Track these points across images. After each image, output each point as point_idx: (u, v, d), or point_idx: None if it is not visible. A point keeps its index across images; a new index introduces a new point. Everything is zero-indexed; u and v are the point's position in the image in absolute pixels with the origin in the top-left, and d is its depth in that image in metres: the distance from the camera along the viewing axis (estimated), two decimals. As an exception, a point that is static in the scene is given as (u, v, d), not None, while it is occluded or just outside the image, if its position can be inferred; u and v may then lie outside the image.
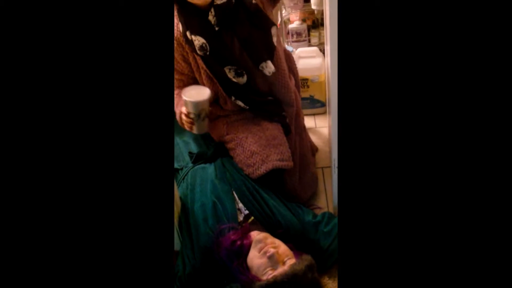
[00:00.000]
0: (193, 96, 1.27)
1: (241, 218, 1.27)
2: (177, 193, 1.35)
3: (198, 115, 1.30)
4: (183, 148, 1.59)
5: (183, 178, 1.44)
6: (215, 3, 1.20)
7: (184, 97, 1.26)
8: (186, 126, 1.36)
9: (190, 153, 1.53)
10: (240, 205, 1.29)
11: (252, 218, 1.26)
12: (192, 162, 1.49)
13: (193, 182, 1.39)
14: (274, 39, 1.33)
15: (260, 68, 1.33)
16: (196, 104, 1.27)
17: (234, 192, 1.32)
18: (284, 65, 1.42)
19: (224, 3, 1.20)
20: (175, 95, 1.43)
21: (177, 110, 1.39)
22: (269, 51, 1.33)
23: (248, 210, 1.27)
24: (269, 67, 1.33)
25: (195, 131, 1.36)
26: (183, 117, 1.33)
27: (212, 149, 1.50)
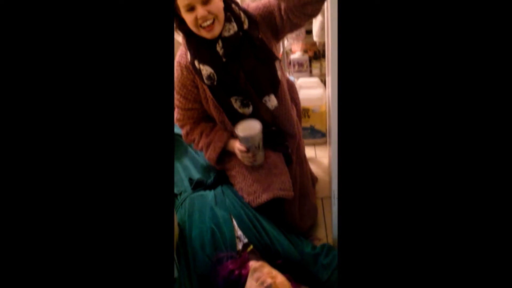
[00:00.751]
0: (247, 130, 1.31)
1: (240, 246, 1.25)
2: (175, 219, 1.34)
3: (258, 147, 1.33)
4: (183, 173, 1.59)
5: (181, 204, 1.43)
6: (222, 36, 1.22)
7: (240, 134, 1.30)
8: (247, 162, 1.38)
9: (190, 179, 1.53)
10: (239, 233, 1.28)
11: (251, 247, 1.24)
12: (192, 189, 1.48)
13: (192, 208, 1.38)
14: (279, 73, 1.35)
15: (264, 101, 1.34)
16: (255, 137, 1.30)
17: (233, 220, 1.32)
18: (288, 98, 1.44)
19: (231, 35, 1.23)
20: (198, 133, 1.44)
21: (213, 149, 1.42)
22: (273, 85, 1.35)
23: (247, 238, 1.26)
24: (272, 101, 1.35)
25: (257, 162, 1.39)
26: (242, 154, 1.36)
27: (213, 177, 1.50)
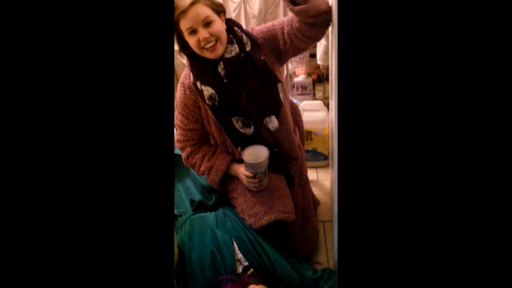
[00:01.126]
0: (254, 157, 1.33)
1: (240, 269, 1.24)
2: (175, 240, 1.33)
3: (264, 172, 1.35)
4: (184, 194, 1.59)
5: (182, 226, 1.42)
6: (224, 57, 1.25)
7: (248, 161, 1.32)
8: (253, 187, 1.39)
9: (191, 200, 1.52)
10: (240, 255, 1.27)
11: (251, 270, 1.23)
12: (193, 210, 1.48)
13: (192, 230, 1.37)
14: (281, 95, 1.37)
15: (265, 122, 1.35)
16: (262, 163, 1.32)
17: (234, 242, 1.30)
18: (290, 120, 1.44)
19: (232, 57, 1.25)
20: (200, 157, 1.45)
21: (215, 173, 1.43)
22: (275, 106, 1.37)
23: (247, 261, 1.25)
24: (273, 122, 1.36)
25: (262, 187, 1.40)
26: (249, 180, 1.37)
27: (214, 198, 1.50)
